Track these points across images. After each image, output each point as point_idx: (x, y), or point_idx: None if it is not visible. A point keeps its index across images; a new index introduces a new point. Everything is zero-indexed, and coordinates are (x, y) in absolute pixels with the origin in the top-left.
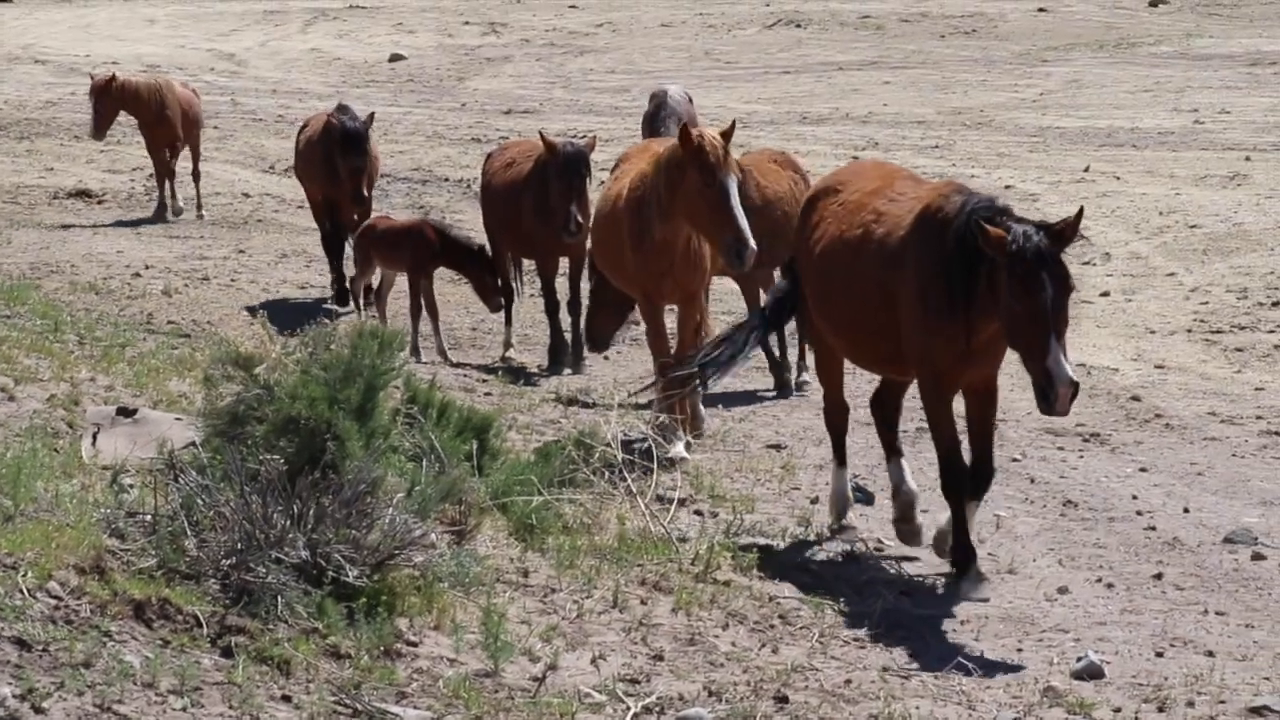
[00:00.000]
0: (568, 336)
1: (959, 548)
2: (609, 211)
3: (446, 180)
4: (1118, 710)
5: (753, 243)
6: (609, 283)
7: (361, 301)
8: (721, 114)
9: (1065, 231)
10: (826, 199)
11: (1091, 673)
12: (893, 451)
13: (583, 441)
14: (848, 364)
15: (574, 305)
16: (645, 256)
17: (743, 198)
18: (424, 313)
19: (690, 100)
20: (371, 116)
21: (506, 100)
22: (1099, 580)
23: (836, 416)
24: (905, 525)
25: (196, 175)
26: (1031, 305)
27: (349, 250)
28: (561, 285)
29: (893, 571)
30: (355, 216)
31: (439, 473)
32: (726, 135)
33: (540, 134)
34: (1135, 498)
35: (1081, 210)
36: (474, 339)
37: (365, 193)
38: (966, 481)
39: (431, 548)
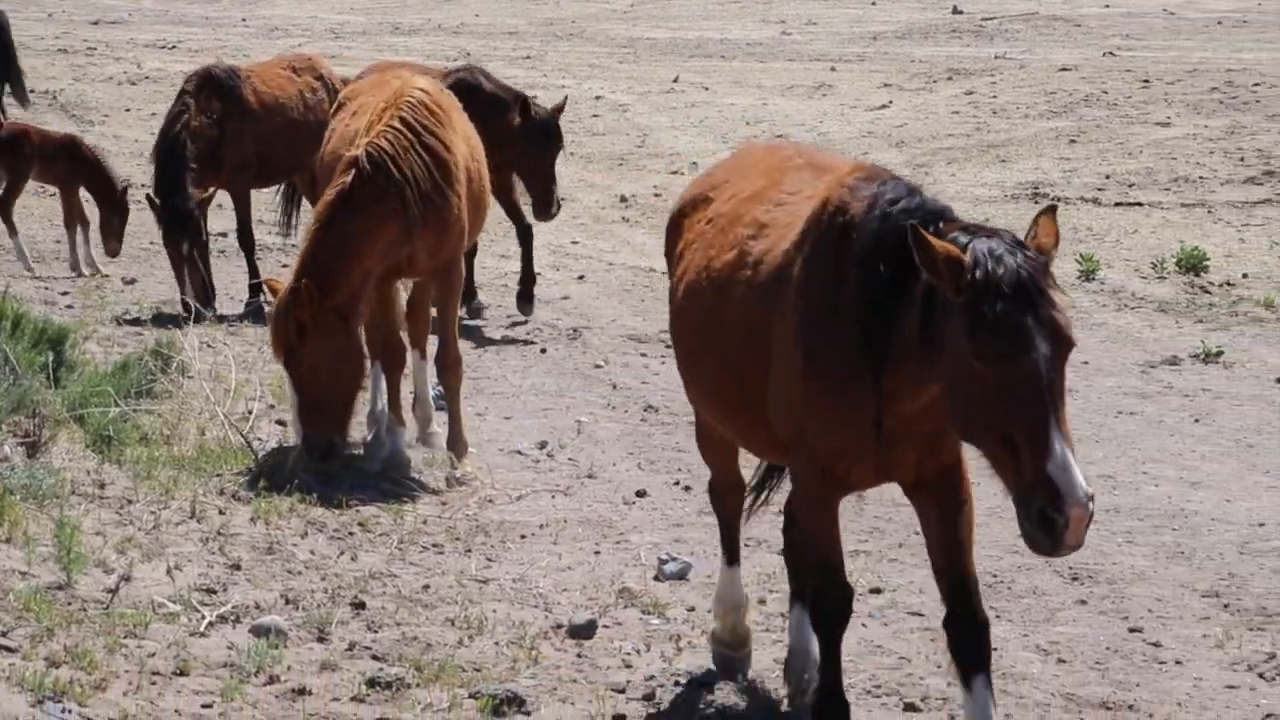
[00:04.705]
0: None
1: (824, 695)
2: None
3: (33, 91)
4: (692, 609)
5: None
6: None
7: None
8: (314, 25)
9: (1047, 242)
10: (695, 214)
11: (680, 574)
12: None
13: (160, 352)
14: None
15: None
16: None
17: (240, 105)
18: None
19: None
20: None
21: (94, 10)
22: (677, 483)
23: (726, 497)
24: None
25: None
26: (1013, 371)
27: None
28: None
29: (473, 480)
30: None
31: (12, 384)
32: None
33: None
34: None
35: (1055, 208)
36: (57, 251)
37: None
38: (843, 614)
39: (3, 460)
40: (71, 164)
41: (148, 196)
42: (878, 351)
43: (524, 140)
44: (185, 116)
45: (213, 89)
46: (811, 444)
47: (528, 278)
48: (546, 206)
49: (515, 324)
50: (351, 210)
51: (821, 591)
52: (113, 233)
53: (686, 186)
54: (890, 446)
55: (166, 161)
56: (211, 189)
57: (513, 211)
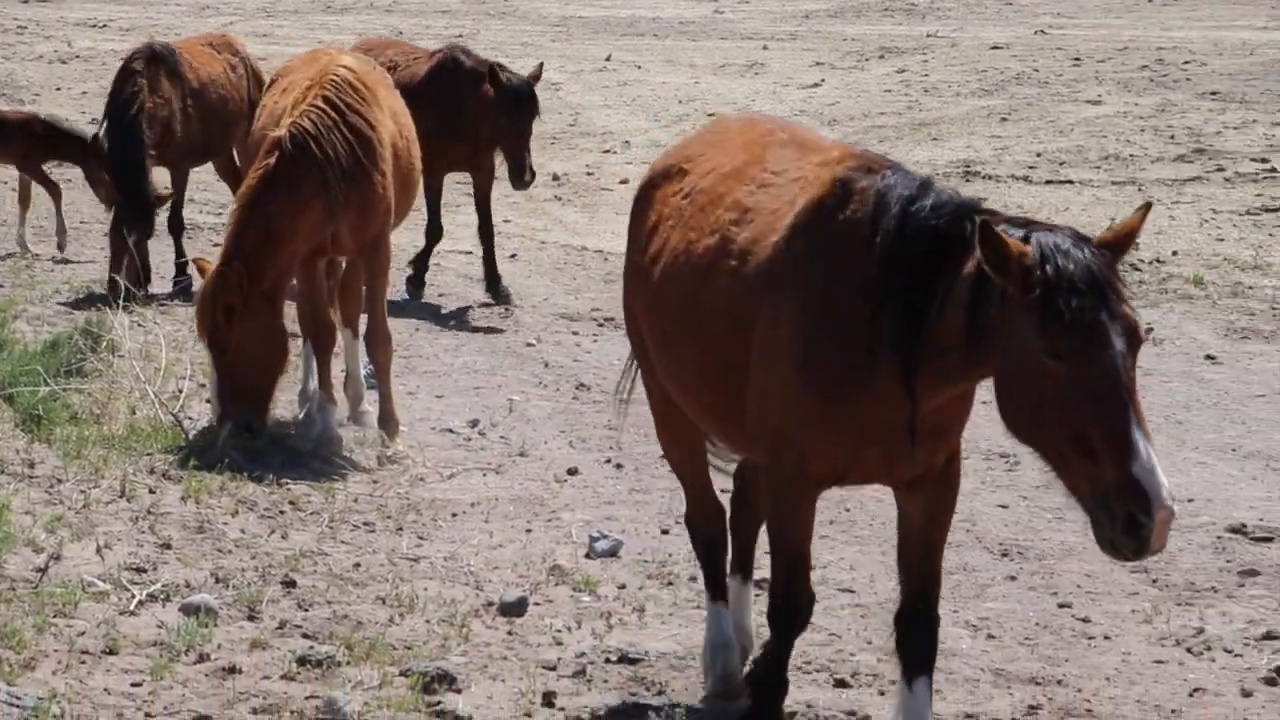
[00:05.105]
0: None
1: (764, 675)
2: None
3: None
4: (622, 586)
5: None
6: None
7: None
8: (245, 3)
9: (1120, 242)
10: (668, 186)
11: (611, 551)
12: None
13: (90, 331)
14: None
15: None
16: None
17: (184, 83)
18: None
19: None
20: None
21: None
22: (609, 461)
23: (708, 523)
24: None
25: None
26: (1090, 369)
27: None
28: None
29: (404, 458)
30: None
31: None
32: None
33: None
34: None
35: (1149, 207)
36: None
37: None
38: (805, 618)
39: None
40: (29, 142)
41: (105, 181)
42: (908, 356)
43: (497, 109)
44: (140, 97)
45: (159, 66)
46: (801, 444)
47: (493, 276)
48: (520, 174)
49: (448, 303)
50: (275, 191)
51: (787, 591)
52: (99, 183)
53: (659, 157)
54: (894, 445)
55: (127, 147)
56: (172, 189)
57: (482, 203)
